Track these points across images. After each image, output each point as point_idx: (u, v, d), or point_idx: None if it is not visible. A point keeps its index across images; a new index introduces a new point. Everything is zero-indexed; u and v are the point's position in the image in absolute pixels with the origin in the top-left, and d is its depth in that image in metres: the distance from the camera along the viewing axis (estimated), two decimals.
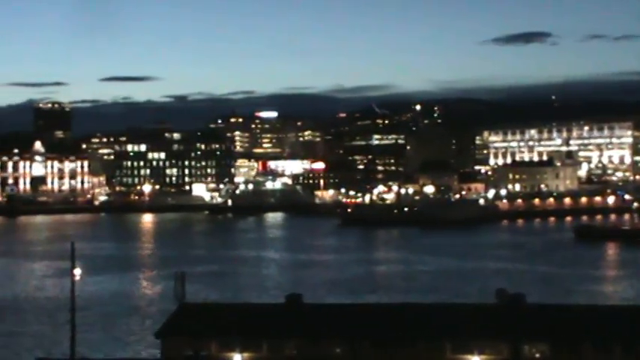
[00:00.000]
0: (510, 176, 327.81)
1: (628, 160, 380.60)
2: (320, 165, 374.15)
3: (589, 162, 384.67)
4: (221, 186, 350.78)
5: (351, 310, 67.95)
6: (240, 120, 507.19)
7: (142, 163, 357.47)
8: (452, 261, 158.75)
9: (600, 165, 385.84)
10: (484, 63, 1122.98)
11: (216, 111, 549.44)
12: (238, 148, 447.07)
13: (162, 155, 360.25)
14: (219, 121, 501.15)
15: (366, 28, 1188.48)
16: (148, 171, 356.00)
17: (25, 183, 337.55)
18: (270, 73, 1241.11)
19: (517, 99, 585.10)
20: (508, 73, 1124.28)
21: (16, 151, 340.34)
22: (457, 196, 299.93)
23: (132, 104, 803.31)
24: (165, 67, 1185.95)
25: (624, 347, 56.52)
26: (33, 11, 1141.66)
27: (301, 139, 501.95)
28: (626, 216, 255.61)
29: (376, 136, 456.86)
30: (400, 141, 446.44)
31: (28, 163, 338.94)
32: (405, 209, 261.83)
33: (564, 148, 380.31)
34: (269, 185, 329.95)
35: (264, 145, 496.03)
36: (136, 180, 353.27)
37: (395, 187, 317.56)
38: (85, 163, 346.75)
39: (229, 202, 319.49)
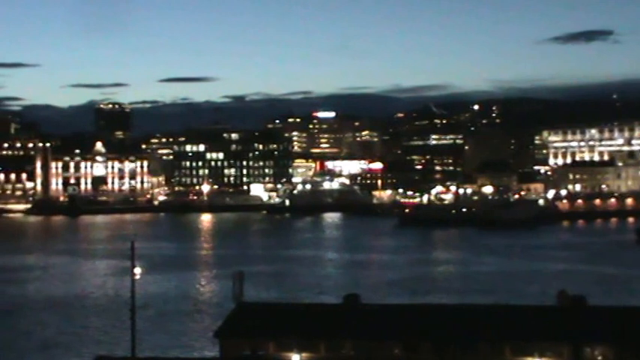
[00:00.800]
0: (570, 176, 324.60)
1: None
2: (378, 165, 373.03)
3: None
4: (279, 186, 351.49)
5: (409, 310, 67.40)
6: (298, 120, 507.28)
7: (200, 164, 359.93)
8: (511, 262, 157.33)
9: None
10: (543, 62, 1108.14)
11: (274, 111, 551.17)
12: (296, 148, 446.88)
13: (221, 155, 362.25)
14: (277, 122, 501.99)
15: (424, 27, 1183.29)
16: (207, 171, 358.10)
17: (86, 183, 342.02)
18: (327, 74, 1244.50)
19: (577, 98, 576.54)
20: (568, 72, 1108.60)
21: (77, 151, 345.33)
22: (516, 196, 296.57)
23: (191, 105, 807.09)
24: (224, 68, 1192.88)
25: None
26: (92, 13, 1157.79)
27: (359, 139, 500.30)
28: None
29: (434, 136, 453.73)
30: (458, 141, 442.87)
31: (89, 163, 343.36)
32: (464, 209, 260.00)
33: (626, 148, 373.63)
34: (326, 185, 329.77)
35: (322, 145, 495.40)
36: (195, 180, 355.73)
37: (453, 188, 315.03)
38: (145, 164, 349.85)
39: (287, 202, 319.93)
